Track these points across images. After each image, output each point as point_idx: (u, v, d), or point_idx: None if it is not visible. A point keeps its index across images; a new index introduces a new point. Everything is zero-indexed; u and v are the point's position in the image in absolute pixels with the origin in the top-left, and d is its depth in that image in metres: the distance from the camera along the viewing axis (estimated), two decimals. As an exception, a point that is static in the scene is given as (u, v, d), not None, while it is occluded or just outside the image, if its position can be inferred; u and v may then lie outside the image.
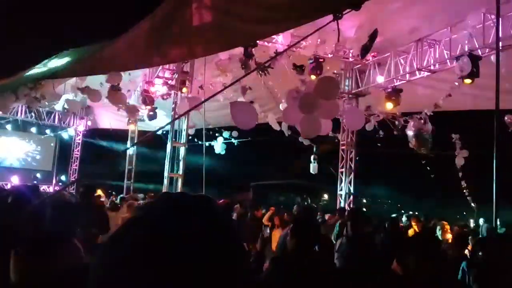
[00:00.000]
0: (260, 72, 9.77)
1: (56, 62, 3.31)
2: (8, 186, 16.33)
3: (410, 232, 8.14)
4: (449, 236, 6.80)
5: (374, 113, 12.06)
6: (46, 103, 13.25)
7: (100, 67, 3.83)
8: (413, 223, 8.87)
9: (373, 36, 8.48)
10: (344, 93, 12.03)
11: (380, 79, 10.87)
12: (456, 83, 9.01)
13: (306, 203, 16.34)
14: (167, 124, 10.41)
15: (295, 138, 12.86)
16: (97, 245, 5.99)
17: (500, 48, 6.52)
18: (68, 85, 11.73)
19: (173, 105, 11.23)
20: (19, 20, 2.50)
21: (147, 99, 11.84)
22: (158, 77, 11.62)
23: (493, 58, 7.22)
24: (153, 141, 14.21)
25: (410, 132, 10.97)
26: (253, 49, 9.49)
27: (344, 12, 2.60)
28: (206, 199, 0.74)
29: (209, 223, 0.69)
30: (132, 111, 12.45)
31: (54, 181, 20.25)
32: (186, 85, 10.99)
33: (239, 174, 22.86)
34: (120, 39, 2.82)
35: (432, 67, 9.59)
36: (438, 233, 6.98)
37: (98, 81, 11.38)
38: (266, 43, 9.78)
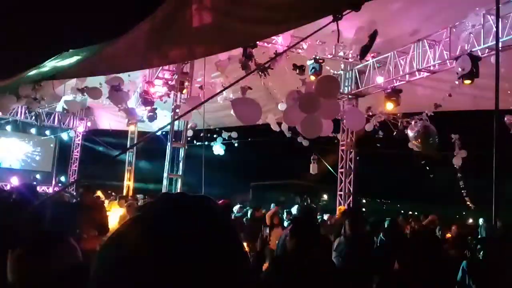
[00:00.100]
0: (260, 73, 9.76)
1: (56, 63, 3.31)
2: (8, 187, 16.33)
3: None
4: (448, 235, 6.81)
5: (375, 114, 12.07)
6: (46, 104, 13.24)
7: (100, 68, 3.84)
8: (411, 223, 8.89)
9: (373, 36, 8.49)
10: (344, 94, 12.04)
11: (380, 79, 10.88)
12: (456, 83, 9.00)
13: (305, 203, 16.31)
14: (166, 125, 10.40)
15: (293, 138, 12.88)
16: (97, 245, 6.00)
17: (500, 48, 6.53)
18: (68, 86, 11.73)
19: (173, 106, 11.23)
20: (19, 21, 2.50)
21: (147, 99, 11.85)
22: (158, 77, 11.62)
23: (492, 58, 7.23)
24: (153, 142, 14.20)
25: (412, 133, 10.91)
26: (253, 50, 9.50)
27: (344, 13, 2.60)
28: (206, 199, 0.74)
29: (208, 223, 0.69)
30: (130, 114, 12.46)
31: (53, 182, 20.25)
32: (186, 86, 10.99)
33: (239, 174, 22.84)
34: (120, 40, 2.83)
35: (432, 68, 9.60)
36: (438, 233, 7.00)
37: (97, 82, 11.39)
38: (266, 44, 9.78)
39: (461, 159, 12.76)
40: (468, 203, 15.00)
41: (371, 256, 4.35)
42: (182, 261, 0.62)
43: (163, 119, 12.37)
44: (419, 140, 10.69)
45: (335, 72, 12.05)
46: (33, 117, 17.02)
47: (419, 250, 2.56)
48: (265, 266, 5.29)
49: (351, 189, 12.49)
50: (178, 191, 9.70)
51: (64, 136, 20.55)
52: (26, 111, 17.58)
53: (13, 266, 1.67)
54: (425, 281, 2.46)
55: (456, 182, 14.11)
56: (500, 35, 6.72)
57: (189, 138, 13.64)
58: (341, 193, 12.53)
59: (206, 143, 15.76)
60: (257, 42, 8.81)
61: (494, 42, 7.11)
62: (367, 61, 11.07)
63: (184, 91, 10.97)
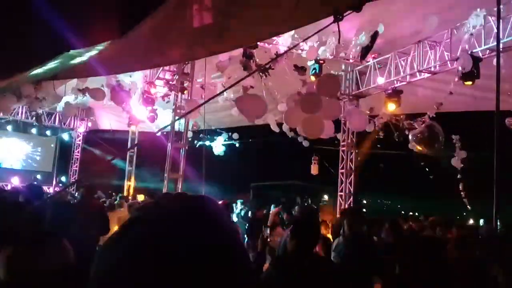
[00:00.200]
0: (261, 73, 9.77)
1: (58, 63, 3.31)
2: (9, 187, 16.35)
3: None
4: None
5: (377, 115, 12.07)
6: (47, 105, 13.25)
7: (101, 68, 3.84)
8: (411, 223, 8.87)
9: (374, 36, 8.50)
10: (345, 95, 12.05)
11: (381, 80, 10.88)
12: (456, 81, 8.98)
13: (306, 204, 16.31)
14: (166, 126, 10.41)
15: (294, 138, 12.88)
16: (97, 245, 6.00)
17: (501, 49, 6.53)
18: (68, 86, 11.75)
19: (173, 106, 11.24)
20: (20, 21, 2.51)
21: (148, 100, 11.86)
22: (158, 78, 11.64)
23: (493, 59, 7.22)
24: (153, 142, 14.20)
25: (414, 137, 10.85)
26: (254, 51, 9.50)
27: (345, 14, 2.60)
28: (206, 199, 0.74)
29: (208, 224, 0.69)
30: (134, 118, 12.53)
31: (54, 182, 20.26)
32: (187, 86, 11.00)
33: (239, 174, 22.84)
34: (121, 40, 2.83)
35: (432, 69, 9.60)
36: (438, 233, 6.97)
37: (99, 83, 11.41)
38: (266, 45, 9.79)
39: (461, 160, 12.76)
40: (466, 204, 14.97)
41: (371, 257, 4.35)
42: (182, 262, 0.62)
43: (166, 119, 12.39)
44: (424, 142, 10.62)
45: (336, 73, 12.05)
46: (34, 117, 17.04)
47: (419, 251, 2.56)
48: (266, 266, 5.29)
49: (352, 189, 12.50)
50: (179, 191, 9.71)
51: (65, 136, 20.57)
52: (27, 111, 17.60)
53: (2, 264, 1.68)
54: (425, 282, 2.46)
55: (457, 182, 14.10)
56: (501, 36, 6.71)
57: (190, 139, 13.67)
58: (341, 193, 12.54)
59: (206, 143, 15.80)
60: (258, 43, 8.81)
61: (495, 43, 7.10)
62: (367, 62, 11.08)
63: (185, 92, 10.98)
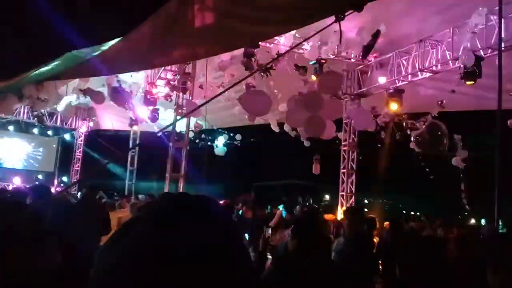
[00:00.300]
0: (262, 73, 9.77)
1: (59, 64, 3.32)
2: (10, 187, 16.38)
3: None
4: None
5: (380, 114, 12.06)
6: (49, 105, 13.27)
7: (103, 68, 3.84)
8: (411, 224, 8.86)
9: (375, 35, 8.49)
10: (346, 94, 12.04)
11: (382, 80, 10.87)
12: (458, 79, 8.96)
13: (307, 204, 16.30)
14: (168, 126, 10.42)
15: (296, 138, 12.88)
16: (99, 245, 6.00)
17: (503, 48, 6.51)
18: (70, 86, 11.77)
19: (175, 106, 11.25)
20: (23, 22, 2.51)
21: (149, 100, 11.88)
22: (160, 78, 11.65)
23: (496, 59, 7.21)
24: (155, 142, 14.24)
25: (417, 137, 10.83)
26: (255, 50, 9.50)
27: (346, 14, 2.59)
28: (207, 199, 0.74)
29: (210, 223, 0.69)
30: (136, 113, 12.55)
31: (56, 182, 20.28)
32: (188, 86, 11.01)
33: (240, 174, 22.84)
34: (123, 40, 2.83)
35: (434, 68, 9.58)
36: (440, 233, 6.97)
37: (100, 83, 11.42)
38: (268, 44, 9.79)
39: (463, 159, 12.75)
40: (465, 204, 14.95)
41: (371, 256, 4.35)
42: (182, 261, 0.62)
43: (167, 119, 12.41)
44: (425, 144, 10.58)
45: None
46: (35, 118, 17.07)
47: (419, 250, 2.55)
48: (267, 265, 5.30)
49: (353, 189, 12.48)
50: (180, 191, 9.71)
51: (67, 136, 20.60)
52: (29, 111, 17.62)
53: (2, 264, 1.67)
54: (425, 282, 2.45)
55: (458, 182, 14.09)
56: (503, 35, 6.69)
57: (192, 138, 13.70)
58: (343, 193, 12.53)
59: (208, 143, 15.81)
60: (260, 43, 8.81)
61: (497, 43, 7.09)
62: (369, 61, 11.07)
63: (187, 92, 11.00)
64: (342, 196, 12.53)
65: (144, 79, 12.34)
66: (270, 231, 8.55)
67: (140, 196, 13.20)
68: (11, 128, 18.91)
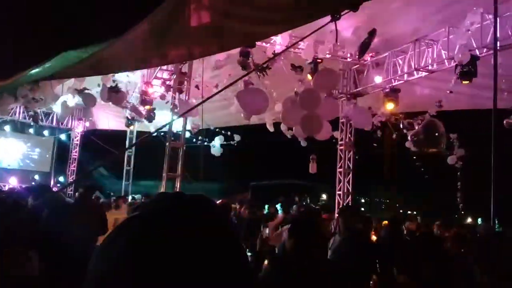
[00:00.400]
0: (259, 73, 9.77)
1: (55, 63, 3.30)
2: (6, 188, 16.32)
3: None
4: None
5: (376, 114, 12.08)
6: (45, 105, 13.22)
7: (98, 68, 3.83)
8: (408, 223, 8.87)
9: (371, 33, 8.50)
10: (343, 94, 12.06)
11: (378, 79, 10.90)
12: (453, 81, 9.00)
13: (304, 203, 16.31)
14: (164, 126, 10.39)
15: (292, 138, 12.87)
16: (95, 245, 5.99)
17: (498, 48, 6.54)
18: (65, 86, 11.72)
19: (171, 106, 11.23)
20: (18, 21, 2.50)
21: (145, 100, 11.86)
22: (156, 77, 11.62)
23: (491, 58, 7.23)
24: (152, 141, 14.23)
25: (413, 137, 10.83)
26: (252, 50, 9.50)
27: (342, 13, 2.60)
28: (203, 198, 0.74)
29: (206, 222, 0.69)
30: (137, 111, 12.51)
31: (52, 182, 20.20)
32: (184, 87, 11.00)
33: (237, 174, 22.86)
34: (119, 40, 2.82)
35: (430, 67, 9.61)
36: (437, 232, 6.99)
37: (96, 83, 11.38)
38: (264, 44, 9.78)
39: (458, 158, 12.79)
40: (460, 203, 14.99)
41: (368, 255, 4.34)
42: (178, 261, 0.62)
43: (163, 118, 12.39)
44: (421, 144, 10.59)
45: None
46: (30, 117, 16.97)
47: (419, 250, 2.56)
48: (264, 265, 5.29)
49: (350, 188, 12.51)
50: (176, 190, 9.70)
51: (63, 136, 20.52)
52: (24, 111, 17.53)
53: None
54: (425, 281, 2.46)
55: (455, 181, 14.13)
56: (498, 35, 6.72)
57: (188, 137, 13.67)
58: (339, 192, 12.55)
59: (205, 143, 15.79)
60: (256, 42, 8.81)
61: (492, 42, 7.12)
62: (365, 60, 11.09)
63: (183, 92, 10.99)
64: (339, 195, 12.55)
65: (140, 78, 12.31)
66: (267, 231, 8.54)
67: (136, 196, 13.19)
68: (7, 128, 18.82)
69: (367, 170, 15.18)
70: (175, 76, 11.08)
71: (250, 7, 2.81)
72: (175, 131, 11.59)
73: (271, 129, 12.62)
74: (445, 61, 9.12)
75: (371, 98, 11.79)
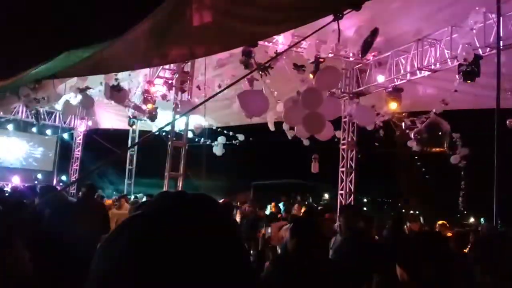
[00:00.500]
0: (261, 72, 9.76)
1: (57, 63, 3.31)
2: (9, 187, 16.37)
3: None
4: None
5: (379, 113, 12.06)
6: (48, 103, 13.25)
7: (100, 67, 3.83)
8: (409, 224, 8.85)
9: (374, 32, 8.48)
10: (345, 93, 12.05)
11: (381, 78, 10.88)
12: (457, 77, 8.96)
13: (306, 203, 16.31)
14: (166, 125, 10.42)
15: (294, 137, 12.86)
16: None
17: (501, 47, 6.53)
18: (68, 85, 11.73)
19: (173, 105, 11.25)
20: (20, 20, 2.50)
21: (148, 99, 11.87)
22: (158, 77, 11.63)
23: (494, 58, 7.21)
24: (154, 141, 14.26)
25: (416, 135, 10.81)
26: (254, 49, 9.49)
27: (344, 12, 2.59)
28: (205, 197, 0.74)
29: (208, 222, 0.69)
30: (139, 110, 12.52)
31: (55, 181, 20.26)
32: (187, 86, 11.01)
33: (240, 173, 22.86)
34: (121, 39, 2.82)
35: (432, 67, 9.59)
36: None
37: (98, 81, 11.40)
38: (266, 43, 9.78)
39: (462, 157, 12.74)
40: (461, 203, 14.94)
41: (370, 255, 4.32)
42: (182, 258, 0.62)
43: (166, 118, 12.40)
44: (424, 142, 10.55)
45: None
46: (33, 116, 17.00)
47: (419, 250, 2.55)
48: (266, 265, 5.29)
49: (352, 188, 12.49)
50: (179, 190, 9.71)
51: (65, 135, 20.57)
52: (27, 110, 17.57)
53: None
54: (425, 281, 2.45)
55: (458, 181, 14.09)
56: (501, 34, 6.70)
57: (192, 136, 13.70)
58: (342, 192, 12.54)
59: (207, 142, 15.81)
60: (258, 41, 8.80)
61: (495, 41, 7.09)
62: (368, 60, 11.07)
63: (185, 91, 11.00)
64: (341, 195, 12.54)
65: (142, 77, 12.32)
66: (269, 230, 8.56)
67: (139, 195, 13.21)
68: (10, 127, 18.87)
69: (369, 169, 15.15)
70: (177, 75, 11.08)
71: (252, 6, 2.81)
72: (177, 130, 11.61)
73: (272, 128, 12.62)
74: (448, 60, 9.10)
75: (374, 97, 11.77)
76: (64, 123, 19.68)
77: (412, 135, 11.13)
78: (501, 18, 6.28)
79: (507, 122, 9.88)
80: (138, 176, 18.79)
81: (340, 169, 12.65)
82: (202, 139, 15.52)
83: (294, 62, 10.27)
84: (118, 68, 5.52)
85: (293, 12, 2.89)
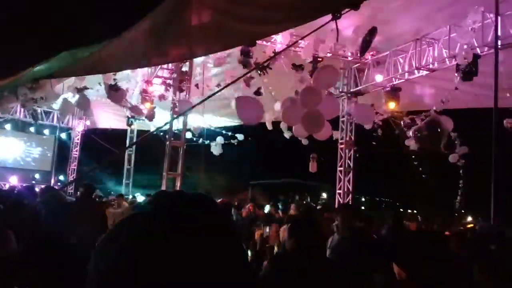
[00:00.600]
0: (259, 71, 9.76)
1: (55, 63, 3.30)
2: (7, 186, 16.32)
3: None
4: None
5: (377, 112, 12.07)
6: (46, 103, 13.21)
7: (99, 66, 3.83)
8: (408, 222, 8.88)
9: (372, 31, 8.49)
10: (343, 92, 12.05)
11: (379, 78, 10.89)
12: (455, 74, 8.97)
13: (304, 202, 16.31)
14: (164, 125, 10.40)
15: (292, 137, 12.86)
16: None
17: (499, 46, 6.53)
18: (65, 84, 11.71)
19: (171, 105, 11.24)
20: (20, 20, 2.50)
21: (146, 98, 11.87)
22: (157, 76, 11.62)
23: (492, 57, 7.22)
24: (152, 141, 14.26)
25: (416, 132, 10.79)
26: (252, 48, 9.49)
27: (343, 12, 2.60)
28: (203, 197, 0.74)
29: (207, 221, 0.69)
30: (136, 111, 12.51)
31: (52, 181, 20.21)
32: (185, 85, 11.00)
33: (238, 173, 22.86)
34: (120, 38, 2.82)
35: (431, 66, 9.60)
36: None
37: (97, 81, 11.38)
38: (264, 43, 9.78)
39: (460, 156, 12.75)
40: (458, 203, 14.95)
41: (369, 254, 4.32)
42: (181, 257, 0.62)
43: (164, 118, 12.39)
44: (424, 141, 10.54)
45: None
46: (30, 116, 16.96)
47: (419, 249, 2.55)
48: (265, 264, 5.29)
49: (350, 187, 12.50)
50: (177, 189, 9.71)
51: (63, 135, 20.53)
52: (25, 110, 17.53)
53: None
54: (425, 281, 2.45)
55: (456, 180, 14.11)
56: (499, 33, 6.71)
57: (190, 136, 13.68)
58: (340, 191, 12.55)
59: (206, 142, 15.80)
60: (256, 41, 8.80)
61: (493, 40, 7.11)
62: (366, 59, 11.08)
63: (183, 91, 10.99)
64: (339, 194, 12.55)
65: (140, 77, 12.31)
66: (267, 229, 8.57)
67: (137, 195, 13.21)
68: (7, 126, 18.81)
69: (367, 169, 15.14)
70: (175, 75, 11.08)
71: (252, 6, 2.81)
72: (175, 131, 11.60)
73: (270, 127, 12.62)
74: (446, 59, 9.11)
75: (372, 96, 11.78)
76: (62, 122, 19.63)
77: (411, 132, 11.10)
78: (499, 18, 6.29)
79: (504, 122, 9.88)
80: (136, 176, 18.78)
81: (338, 169, 12.65)
82: (201, 140, 15.51)
83: (293, 62, 10.27)
84: (117, 68, 5.51)
85: (293, 12, 2.89)
